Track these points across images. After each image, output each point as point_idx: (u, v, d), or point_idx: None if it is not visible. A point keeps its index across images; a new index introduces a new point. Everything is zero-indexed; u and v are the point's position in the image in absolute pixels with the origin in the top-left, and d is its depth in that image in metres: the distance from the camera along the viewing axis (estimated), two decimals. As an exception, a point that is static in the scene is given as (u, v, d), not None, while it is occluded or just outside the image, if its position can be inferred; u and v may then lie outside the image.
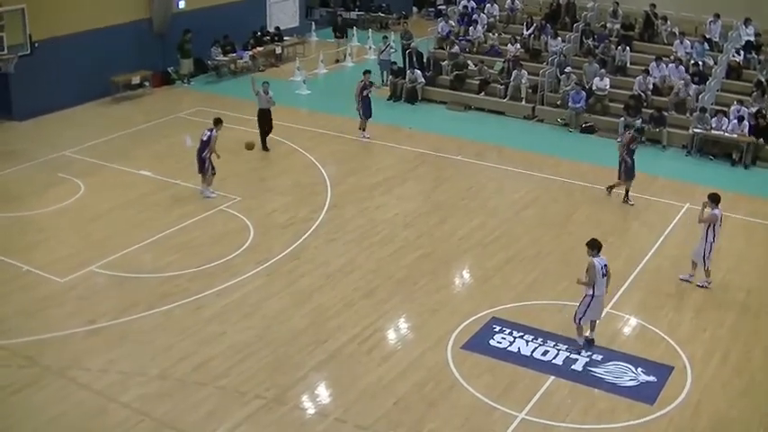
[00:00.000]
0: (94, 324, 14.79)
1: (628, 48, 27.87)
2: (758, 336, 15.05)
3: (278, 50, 32.97)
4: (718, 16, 28.23)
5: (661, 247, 18.29)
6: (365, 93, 24.17)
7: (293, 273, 16.84)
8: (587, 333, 14.41)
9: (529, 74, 27.47)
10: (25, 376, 13.33)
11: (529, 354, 14.16)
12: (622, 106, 25.43)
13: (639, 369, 13.80)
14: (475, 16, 31.15)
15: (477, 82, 28.21)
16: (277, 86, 23.01)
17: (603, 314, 14.73)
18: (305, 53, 33.95)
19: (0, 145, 23.53)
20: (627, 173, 20.10)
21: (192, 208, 19.47)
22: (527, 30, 29.96)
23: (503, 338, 14.55)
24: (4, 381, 13.18)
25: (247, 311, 15.38)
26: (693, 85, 25.53)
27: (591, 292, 13.89)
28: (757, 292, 16.60)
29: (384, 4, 40.57)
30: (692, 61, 26.73)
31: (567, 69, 27.12)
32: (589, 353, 14.16)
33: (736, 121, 23.79)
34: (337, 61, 33.31)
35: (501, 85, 27.88)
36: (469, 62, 29.00)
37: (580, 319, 14.14)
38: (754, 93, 24.89)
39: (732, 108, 24.25)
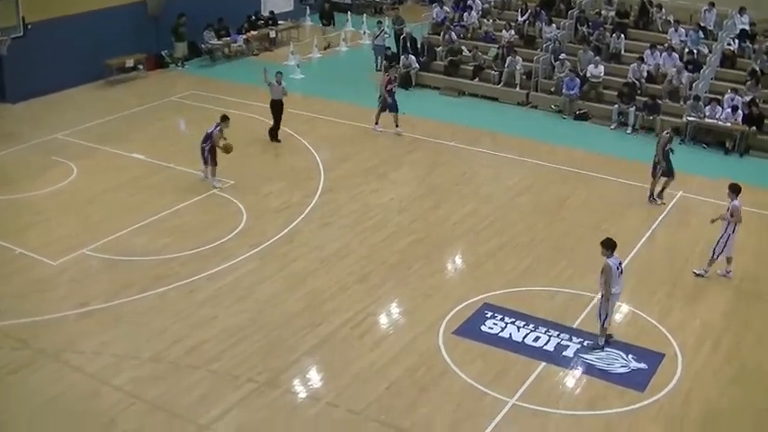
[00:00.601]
0: (87, 306, 14.80)
1: (622, 35, 27.83)
2: (749, 324, 15.11)
3: (272, 35, 32.84)
4: (713, 5, 28.25)
5: (653, 235, 18.36)
6: (389, 87, 23.67)
7: (286, 256, 16.85)
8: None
9: (523, 60, 27.42)
10: (19, 358, 13.34)
11: (520, 340, 14.20)
12: (616, 93, 25.45)
13: (630, 356, 13.84)
14: (470, 2, 31.00)
15: (472, 68, 28.16)
16: (271, 70, 22.90)
17: (593, 302, 14.80)
18: (299, 37, 33.84)
19: (-7, 127, 23.47)
20: (665, 173, 19.55)
21: (185, 191, 19.44)
22: (522, 16, 29.91)
23: (494, 324, 14.59)
24: (-2, 362, 13.21)
25: (240, 295, 15.40)
26: (686, 73, 25.53)
27: (611, 292, 13.70)
28: (750, 280, 16.66)
29: (379, -11, 40.40)
30: (687, 49, 26.74)
31: (562, 56, 27.08)
32: (580, 339, 14.21)
33: (729, 109, 23.81)
34: (326, 48, 33.07)
35: (495, 71, 27.85)
36: (464, 48, 28.95)
37: (605, 320, 13.90)
38: (749, 82, 24.90)
39: (726, 97, 24.25)
